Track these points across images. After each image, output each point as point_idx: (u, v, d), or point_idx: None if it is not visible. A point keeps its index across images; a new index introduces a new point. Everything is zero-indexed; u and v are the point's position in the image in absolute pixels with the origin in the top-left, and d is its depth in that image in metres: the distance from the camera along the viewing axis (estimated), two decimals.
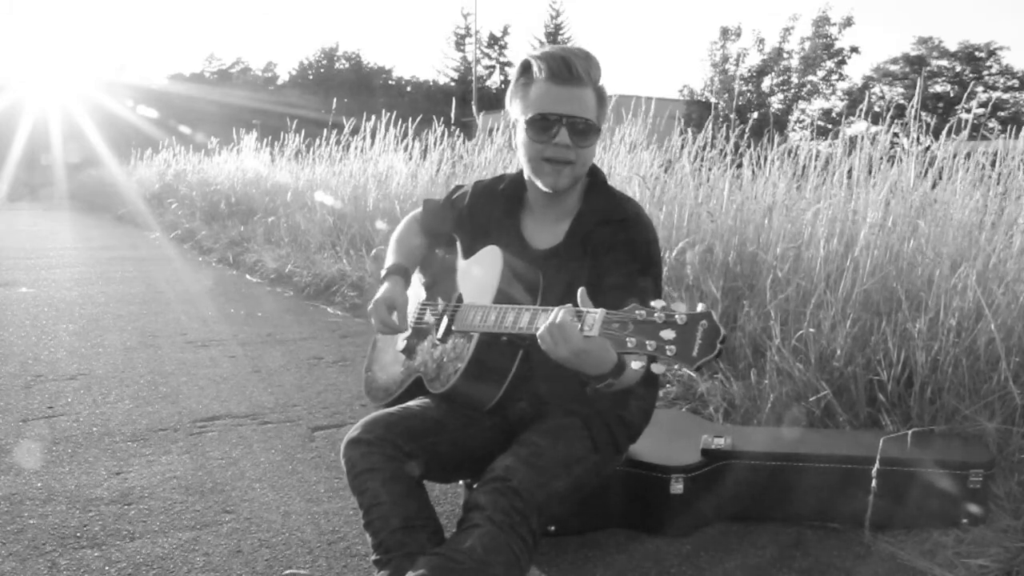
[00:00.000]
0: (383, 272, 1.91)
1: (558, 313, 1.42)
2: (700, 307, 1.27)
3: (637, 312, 1.30)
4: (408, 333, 1.89)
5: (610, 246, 1.74)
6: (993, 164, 3.34)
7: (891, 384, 2.70)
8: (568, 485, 1.63)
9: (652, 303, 1.29)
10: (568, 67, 1.66)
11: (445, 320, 1.78)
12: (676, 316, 1.26)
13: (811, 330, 2.94)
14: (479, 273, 1.78)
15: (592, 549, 2.07)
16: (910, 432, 2.32)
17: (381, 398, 1.94)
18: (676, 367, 1.26)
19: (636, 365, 1.28)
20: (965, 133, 3.47)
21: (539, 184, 1.76)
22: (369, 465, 1.62)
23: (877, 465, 2.14)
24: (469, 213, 1.95)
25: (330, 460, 2.63)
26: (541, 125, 1.69)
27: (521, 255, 1.77)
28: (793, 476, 2.21)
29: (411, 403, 1.79)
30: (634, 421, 1.85)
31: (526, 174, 1.81)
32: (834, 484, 2.20)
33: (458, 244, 1.94)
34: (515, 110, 1.75)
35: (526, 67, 1.72)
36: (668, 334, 1.26)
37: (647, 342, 1.27)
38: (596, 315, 1.36)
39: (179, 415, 3.07)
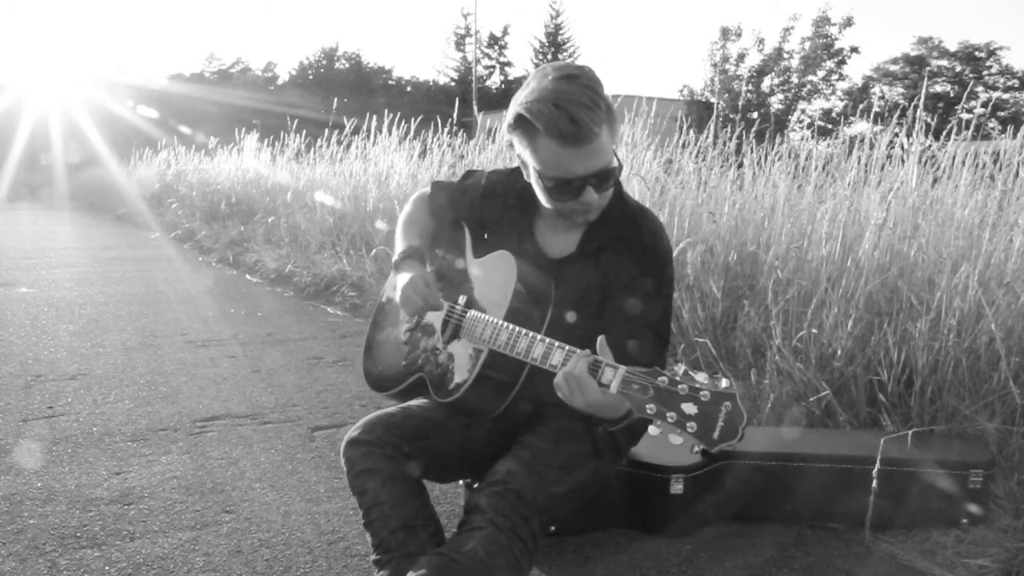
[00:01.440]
0: (397, 256, 1.83)
1: (576, 363, 1.42)
2: (724, 383, 1.27)
3: (660, 378, 1.30)
4: (411, 324, 1.87)
5: (624, 260, 1.70)
6: (995, 163, 3.35)
7: (891, 384, 2.70)
8: (569, 489, 1.62)
9: (674, 367, 1.30)
10: (577, 128, 1.48)
11: (452, 324, 1.76)
12: (700, 393, 1.27)
13: (812, 331, 2.94)
14: (490, 281, 1.75)
15: (592, 549, 2.07)
16: (910, 432, 2.32)
17: (382, 387, 1.91)
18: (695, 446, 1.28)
19: (654, 432, 1.29)
20: (966, 134, 3.47)
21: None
22: (369, 465, 1.61)
23: (877, 465, 2.14)
24: (481, 205, 1.88)
25: (330, 460, 2.63)
26: (562, 189, 1.58)
27: (533, 261, 1.73)
28: (793, 476, 2.21)
29: (411, 403, 1.78)
30: (636, 424, 1.84)
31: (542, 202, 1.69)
32: (834, 484, 2.19)
33: (466, 234, 1.88)
34: (521, 148, 1.61)
35: (522, 119, 1.54)
36: (690, 409, 1.27)
37: (668, 413, 1.28)
38: (616, 373, 1.36)
39: (179, 415, 3.07)
